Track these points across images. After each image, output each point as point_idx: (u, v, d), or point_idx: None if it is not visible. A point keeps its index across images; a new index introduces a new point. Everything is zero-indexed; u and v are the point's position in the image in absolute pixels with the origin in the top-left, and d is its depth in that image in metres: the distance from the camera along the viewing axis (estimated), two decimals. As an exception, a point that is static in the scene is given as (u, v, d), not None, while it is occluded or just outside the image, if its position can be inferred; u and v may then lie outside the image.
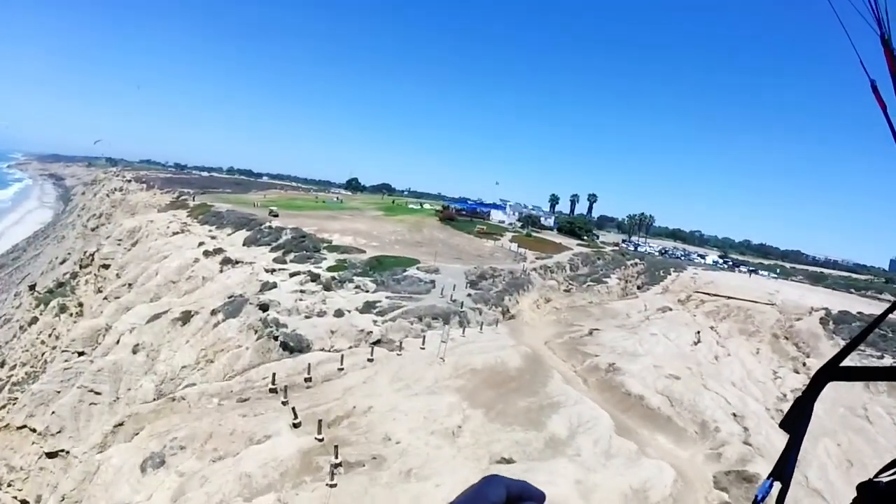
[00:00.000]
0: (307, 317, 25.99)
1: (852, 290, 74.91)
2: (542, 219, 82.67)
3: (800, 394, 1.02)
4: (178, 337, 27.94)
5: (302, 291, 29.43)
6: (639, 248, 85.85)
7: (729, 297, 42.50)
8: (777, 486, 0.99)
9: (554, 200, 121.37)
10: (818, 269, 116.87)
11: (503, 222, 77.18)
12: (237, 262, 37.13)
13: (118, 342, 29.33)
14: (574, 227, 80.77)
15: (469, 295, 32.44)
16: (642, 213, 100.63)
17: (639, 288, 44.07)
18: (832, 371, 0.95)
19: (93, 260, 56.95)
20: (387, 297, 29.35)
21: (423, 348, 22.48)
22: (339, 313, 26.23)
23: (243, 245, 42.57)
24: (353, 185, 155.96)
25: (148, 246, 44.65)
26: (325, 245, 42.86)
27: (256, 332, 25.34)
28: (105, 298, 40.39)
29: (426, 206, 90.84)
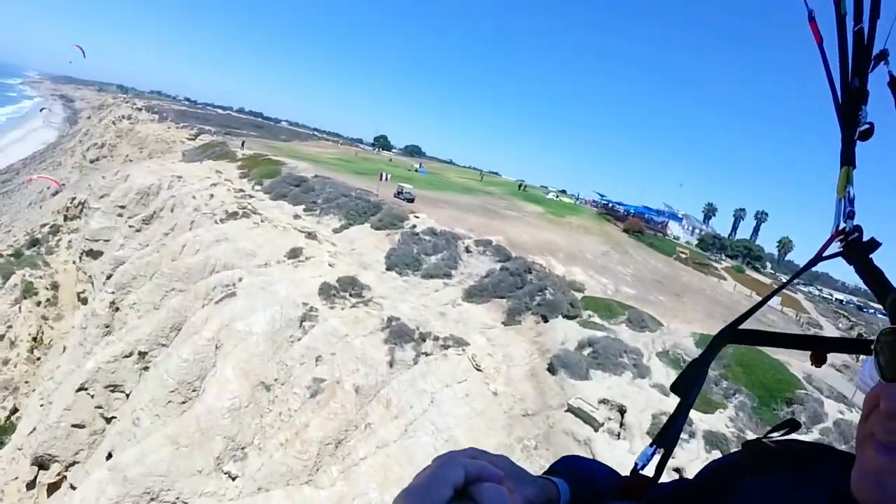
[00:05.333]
0: None
1: None
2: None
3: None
4: None
5: None
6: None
7: None
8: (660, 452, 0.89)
9: (710, 211, 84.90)
10: None
11: (678, 238, 55.19)
12: (421, 339, 15.62)
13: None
14: (751, 255, 57.84)
15: None
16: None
17: None
18: (731, 334, 0.90)
19: (81, 211, 35.79)
20: None
21: None
22: None
23: (388, 269, 20.70)
24: (381, 144, 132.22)
25: (181, 241, 22.59)
26: (574, 296, 20.71)
27: None
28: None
29: (563, 198, 65.00)
